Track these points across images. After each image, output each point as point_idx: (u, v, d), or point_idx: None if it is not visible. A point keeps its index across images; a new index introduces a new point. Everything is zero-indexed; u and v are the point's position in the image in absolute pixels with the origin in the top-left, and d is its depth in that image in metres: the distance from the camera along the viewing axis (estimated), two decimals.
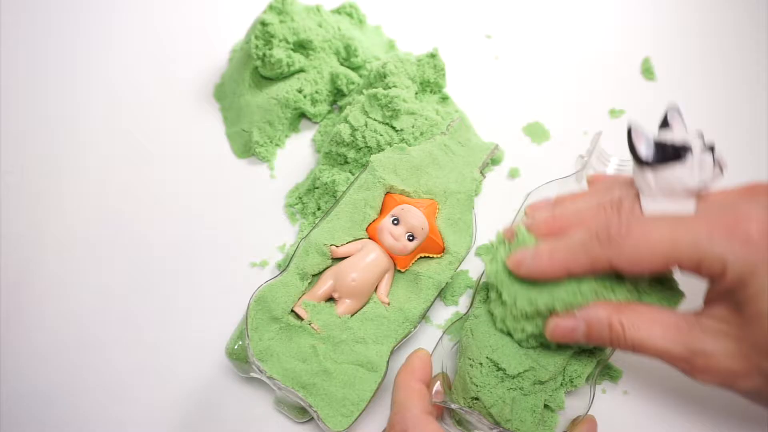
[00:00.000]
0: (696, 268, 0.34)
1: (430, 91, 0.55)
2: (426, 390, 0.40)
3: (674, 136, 0.35)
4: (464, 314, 0.44)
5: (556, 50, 0.63)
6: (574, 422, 0.41)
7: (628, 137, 0.35)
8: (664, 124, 0.37)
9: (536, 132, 0.57)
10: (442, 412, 0.41)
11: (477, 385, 0.39)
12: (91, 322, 0.48)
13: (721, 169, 0.35)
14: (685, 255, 0.33)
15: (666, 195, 0.35)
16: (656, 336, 0.34)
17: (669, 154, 0.35)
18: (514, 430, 0.38)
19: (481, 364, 0.39)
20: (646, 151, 0.35)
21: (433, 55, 0.54)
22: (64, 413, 0.45)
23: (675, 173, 0.35)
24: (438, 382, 0.41)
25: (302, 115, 0.57)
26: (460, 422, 0.41)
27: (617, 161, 0.49)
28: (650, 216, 0.35)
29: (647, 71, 0.61)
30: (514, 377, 0.39)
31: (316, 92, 0.56)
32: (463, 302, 0.49)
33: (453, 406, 0.39)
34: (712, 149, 0.35)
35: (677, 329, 0.34)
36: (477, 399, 0.39)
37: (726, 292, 0.33)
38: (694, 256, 0.33)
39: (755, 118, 0.59)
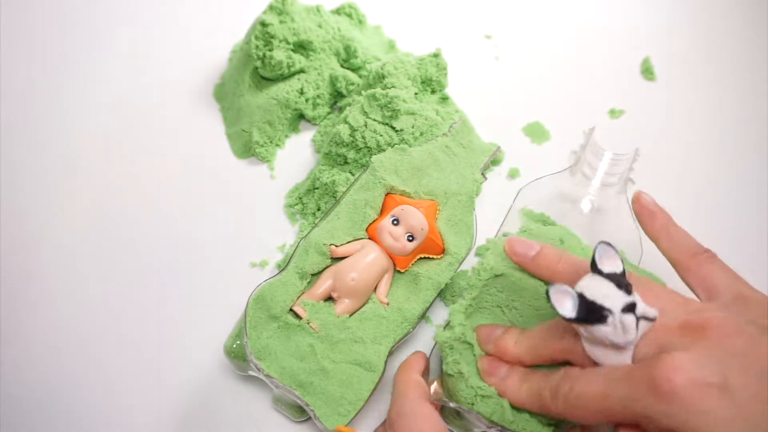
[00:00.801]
0: (633, 424, 0.34)
1: (431, 91, 0.55)
2: (423, 381, 0.40)
3: (594, 294, 0.34)
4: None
5: (556, 50, 0.63)
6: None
7: (547, 299, 0.34)
8: (593, 264, 0.36)
9: (536, 132, 0.57)
10: (440, 408, 0.41)
11: (470, 403, 0.39)
12: (91, 320, 0.48)
13: (649, 319, 0.34)
14: (618, 414, 0.33)
15: (602, 346, 0.35)
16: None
17: (590, 315, 0.34)
18: (518, 430, 0.39)
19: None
20: (569, 312, 0.34)
21: (436, 55, 0.54)
22: (63, 412, 0.45)
23: (600, 332, 0.34)
24: (436, 383, 0.41)
25: (302, 116, 0.57)
26: (459, 416, 0.41)
27: (611, 155, 0.49)
28: (589, 371, 0.35)
29: (647, 71, 0.61)
30: None
31: (318, 96, 0.56)
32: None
33: (452, 405, 0.39)
34: (632, 307, 0.34)
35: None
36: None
37: None
38: (628, 415, 0.33)
39: (755, 118, 0.59)
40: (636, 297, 0.34)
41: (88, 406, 0.45)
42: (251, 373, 0.43)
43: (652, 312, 0.34)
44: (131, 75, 0.60)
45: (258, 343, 0.41)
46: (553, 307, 0.34)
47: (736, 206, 0.54)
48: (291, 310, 0.43)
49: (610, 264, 0.35)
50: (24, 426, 0.44)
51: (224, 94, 0.59)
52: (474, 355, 0.40)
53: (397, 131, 0.50)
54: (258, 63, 0.54)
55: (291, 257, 0.44)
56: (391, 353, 0.43)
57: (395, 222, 0.45)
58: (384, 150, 0.49)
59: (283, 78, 0.55)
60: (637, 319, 0.34)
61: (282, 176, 0.55)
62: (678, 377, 0.31)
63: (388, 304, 0.44)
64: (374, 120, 0.50)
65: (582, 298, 0.34)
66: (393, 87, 0.51)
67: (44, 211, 0.53)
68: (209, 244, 0.51)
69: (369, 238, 0.45)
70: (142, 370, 0.46)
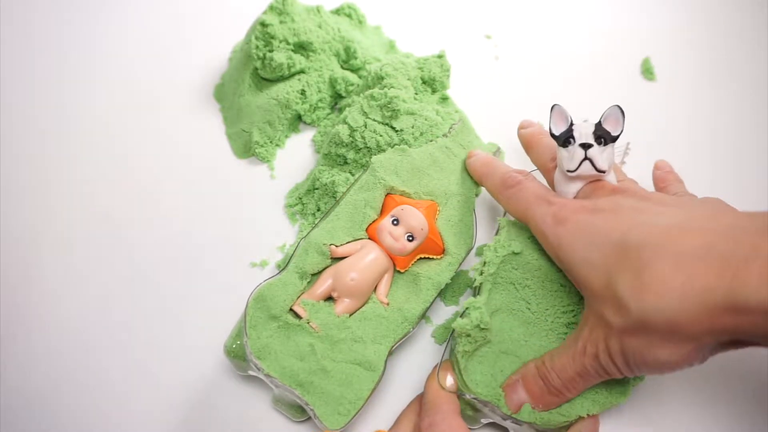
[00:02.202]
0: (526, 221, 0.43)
1: (432, 91, 0.55)
2: (453, 394, 0.41)
3: (577, 128, 0.42)
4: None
5: (556, 50, 0.63)
6: (578, 419, 0.41)
7: (549, 114, 0.42)
8: (599, 122, 0.42)
9: None
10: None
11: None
12: (91, 320, 0.48)
13: (596, 168, 0.41)
14: (532, 227, 0.42)
15: (561, 172, 0.43)
16: (565, 357, 0.39)
17: (560, 137, 0.42)
18: (531, 421, 0.39)
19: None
20: (555, 129, 0.42)
21: (440, 56, 0.54)
22: (63, 411, 0.45)
23: (561, 155, 0.42)
24: (450, 374, 0.41)
25: (301, 117, 0.57)
26: (473, 408, 0.41)
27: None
28: (536, 184, 0.44)
29: (647, 71, 0.61)
30: None
31: (320, 101, 0.56)
32: (463, 302, 0.49)
33: (468, 396, 0.40)
34: (586, 146, 0.41)
35: (572, 339, 0.39)
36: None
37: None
38: (540, 235, 0.41)
39: (755, 118, 0.59)
40: (600, 150, 0.41)
41: (87, 405, 0.45)
42: (251, 372, 0.43)
43: (602, 162, 0.41)
44: (131, 75, 0.60)
45: (258, 342, 0.41)
46: (549, 120, 0.42)
47: (736, 206, 0.54)
48: (291, 309, 0.43)
49: (611, 125, 0.42)
50: (24, 426, 0.44)
51: (224, 94, 0.59)
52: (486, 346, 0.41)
53: (396, 131, 0.50)
54: (258, 63, 0.54)
55: (291, 257, 0.44)
56: (391, 353, 0.43)
57: (395, 222, 0.45)
58: (384, 150, 0.49)
59: (283, 78, 0.55)
60: (586, 157, 0.41)
61: (282, 176, 0.55)
62: (570, 209, 0.40)
63: (388, 304, 0.44)
64: (374, 120, 0.50)
65: (570, 126, 0.42)
66: (392, 87, 0.51)
67: (44, 210, 0.53)
68: (209, 244, 0.51)
69: (369, 238, 0.45)
70: (142, 370, 0.46)
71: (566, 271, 0.40)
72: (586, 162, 0.41)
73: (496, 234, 0.45)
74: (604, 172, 0.41)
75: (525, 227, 0.44)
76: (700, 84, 0.61)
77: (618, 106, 0.41)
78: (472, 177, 0.48)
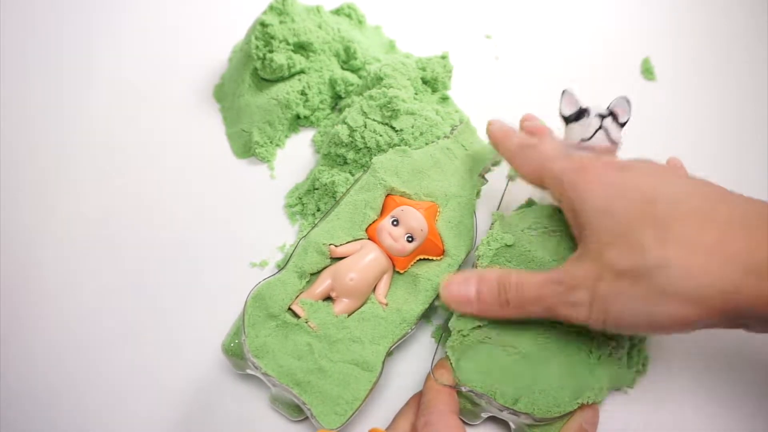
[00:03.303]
0: (551, 191, 0.42)
1: (432, 90, 0.55)
2: (453, 393, 0.41)
3: (588, 104, 0.44)
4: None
5: (556, 50, 0.63)
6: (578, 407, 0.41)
7: (561, 98, 0.45)
8: (609, 109, 0.45)
9: None
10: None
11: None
12: (90, 320, 0.48)
13: (609, 139, 0.43)
14: (547, 175, 0.41)
15: (569, 147, 0.44)
16: (535, 277, 0.39)
17: (574, 114, 0.44)
18: (528, 412, 0.39)
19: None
20: (565, 110, 0.45)
21: (443, 57, 0.55)
22: (62, 411, 0.45)
23: (573, 129, 0.44)
24: (445, 368, 0.41)
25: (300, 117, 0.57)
26: (471, 403, 0.42)
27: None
28: (553, 145, 0.44)
29: (647, 71, 0.61)
30: None
31: (320, 102, 0.56)
32: None
33: (464, 389, 0.40)
34: (602, 116, 0.44)
35: (552, 271, 0.39)
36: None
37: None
38: (552, 181, 0.41)
39: (755, 118, 0.59)
40: (614, 126, 0.44)
41: (86, 404, 0.45)
42: (249, 371, 0.43)
43: (617, 134, 0.44)
44: (131, 75, 0.60)
45: (256, 341, 0.41)
46: (560, 105, 0.45)
47: None
48: (289, 309, 0.43)
49: (620, 112, 0.44)
50: (24, 426, 0.44)
51: (224, 94, 0.59)
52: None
53: (396, 131, 0.50)
54: (258, 64, 0.54)
55: (290, 257, 0.44)
56: (389, 354, 0.43)
57: (395, 223, 0.45)
58: (384, 150, 0.49)
59: (283, 79, 0.55)
60: (601, 126, 0.43)
61: (282, 176, 0.55)
62: (599, 168, 0.39)
63: (386, 304, 0.44)
64: (373, 120, 0.50)
65: (580, 108, 0.44)
66: (391, 88, 0.51)
67: (43, 210, 0.53)
68: (209, 244, 0.51)
69: (369, 239, 0.46)
70: (140, 368, 0.46)
71: (573, 216, 0.39)
72: (601, 131, 0.43)
73: (490, 229, 0.45)
74: (616, 144, 0.43)
75: (518, 219, 0.44)
76: (700, 84, 0.60)
77: (624, 97, 0.44)
78: (490, 142, 0.47)
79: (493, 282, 0.40)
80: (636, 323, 0.35)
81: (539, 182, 0.42)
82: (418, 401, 0.42)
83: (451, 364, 0.41)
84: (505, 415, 0.41)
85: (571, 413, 0.40)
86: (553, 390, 0.40)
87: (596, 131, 0.43)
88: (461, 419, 0.42)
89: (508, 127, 0.47)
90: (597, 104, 0.49)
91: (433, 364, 0.43)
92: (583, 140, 0.43)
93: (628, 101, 0.44)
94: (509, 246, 0.43)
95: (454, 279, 0.42)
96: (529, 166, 0.43)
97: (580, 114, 0.44)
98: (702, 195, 0.36)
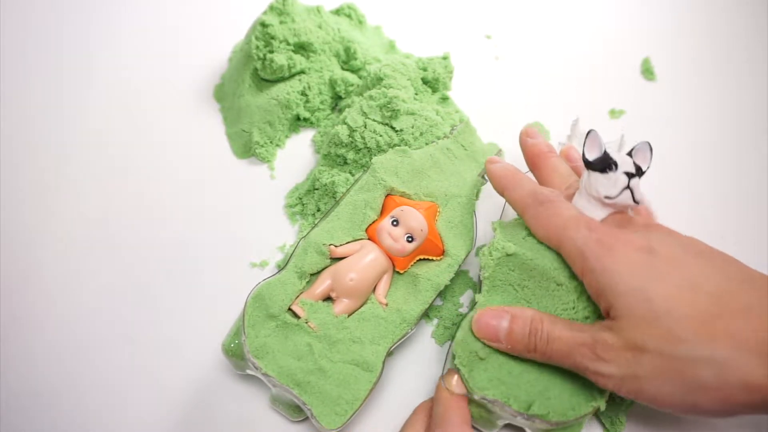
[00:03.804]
0: (570, 262, 0.40)
1: (433, 91, 0.55)
2: (465, 404, 0.41)
3: (616, 155, 0.41)
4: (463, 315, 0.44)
5: (556, 50, 0.63)
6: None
7: (585, 139, 0.41)
8: (629, 153, 0.42)
9: None
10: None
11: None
12: (90, 319, 0.48)
13: (634, 198, 0.40)
14: (566, 244, 0.40)
15: (588, 197, 0.41)
16: (567, 331, 0.38)
17: (599, 163, 0.41)
18: (543, 416, 0.39)
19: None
20: (591, 154, 0.41)
21: (445, 57, 0.55)
22: (62, 410, 0.45)
23: (597, 180, 0.41)
24: (456, 375, 0.41)
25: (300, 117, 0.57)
26: (484, 410, 0.41)
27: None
28: (571, 205, 0.42)
29: (647, 71, 0.61)
30: None
31: (321, 103, 0.56)
32: (464, 301, 0.49)
33: (476, 397, 0.40)
34: (630, 175, 0.40)
35: (584, 326, 0.38)
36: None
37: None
38: (571, 249, 0.39)
39: (755, 118, 0.59)
40: (638, 181, 0.41)
41: (86, 404, 0.45)
42: (249, 372, 0.43)
43: (640, 195, 0.41)
44: (131, 75, 0.60)
45: (256, 341, 0.41)
46: (583, 147, 0.41)
47: (737, 205, 0.54)
48: (289, 309, 0.43)
49: (641, 159, 0.42)
50: (24, 426, 0.44)
51: (224, 95, 0.59)
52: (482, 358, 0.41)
53: (396, 131, 0.50)
54: (258, 64, 0.54)
55: (290, 257, 0.44)
56: (389, 354, 0.43)
57: (395, 223, 0.45)
58: (384, 150, 0.49)
59: (284, 79, 0.55)
60: (628, 186, 0.40)
61: (282, 176, 0.55)
62: (621, 242, 0.38)
63: (386, 304, 0.44)
64: (373, 120, 0.50)
65: (605, 154, 0.41)
66: (391, 88, 0.51)
67: (44, 210, 0.53)
68: (209, 244, 0.51)
69: (368, 239, 0.46)
70: (140, 369, 0.46)
71: (598, 289, 0.38)
72: (627, 191, 0.40)
73: (493, 238, 0.45)
74: (639, 204, 0.41)
75: (518, 227, 0.43)
76: (700, 84, 0.61)
77: (647, 143, 0.42)
78: (493, 184, 0.46)
79: (526, 324, 0.39)
80: (673, 406, 0.36)
81: (554, 245, 0.41)
82: (426, 410, 0.42)
83: (462, 375, 0.40)
84: (519, 421, 0.40)
85: (586, 416, 0.40)
86: (568, 393, 0.39)
87: (621, 191, 0.40)
88: (476, 428, 0.42)
89: (514, 170, 0.45)
90: (615, 141, 0.48)
91: (444, 371, 0.42)
92: (608, 198, 0.40)
93: (650, 148, 0.42)
94: (511, 255, 0.42)
95: (487, 311, 0.40)
96: (546, 229, 0.41)
97: (607, 165, 0.40)
98: (738, 282, 0.36)
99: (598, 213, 0.41)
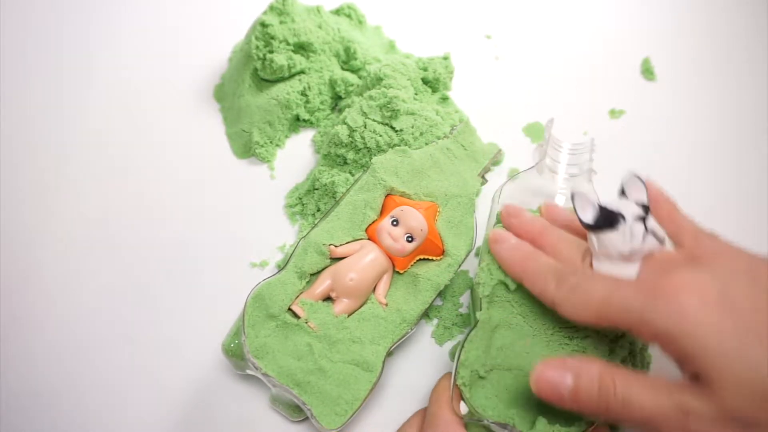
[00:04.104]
0: (630, 330, 0.35)
1: (433, 90, 0.55)
2: (460, 421, 0.40)
3: (612, 205, 0.37)
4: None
5: (556, 50, 0.63)
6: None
7: (572, 203, 0.37)
8: (622, 192, 0.38)
9: (536, 132, 0.57)
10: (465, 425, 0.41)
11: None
12: (90, 319, 0.48)
13: (658, 239, 0.37)
14: (616, 316, 0.35)
15: (607, 257, 0.37)
16: (646, 394, 0.33)
17: (604, 221, 0.37)
18: None
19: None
20: (587, 216, 0.37)
21: (445, 58, 0.55)
22: (62, 410, 0.45)
23: (610, 239, 0.37)
24: (462, 401, 0.40)
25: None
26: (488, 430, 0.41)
27: (569, 146, 0.49)
28: (599, 274, 0.37)
29: (647, 71, 0.61)
30: None
31: (321, 103, 0.56)
32: (464, 301, 0.49)
33: (486, 421, 0.39)
34: (644, 219, 0.37)
35: (668, 388, 0.33)
36: None
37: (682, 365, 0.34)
38: (626, 319, 0.34)
39: (755, 118, 0.59)
40: (651, 218, 0.37)
41: (86, 404, 0.45)
42: (249, 372, 0.43)
43: (661, 231, 0.37)
44: (131, 75, 0.60)
45: (256, 341, 0.41)
46: (575, 212, 0.37)
47: (737, 205, 0.54)
48: (289, 309, 0.43)
49: (636, 192, 0.38)
50: (24, 426, 0.45)
51: (224, 95, 0.59)
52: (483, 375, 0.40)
53: (396, 131, 0.50)
54: (258, 64, 0.54)
55: (290, 257, 0.44)
56: (389, 354, 0.43)
57: (395, 223, 0.45)
58: (384, 150, 0.49)
59: (284, 79, 0.55)
60: (646, 229, 0.36)
61: (282, 176, 0.55)
62: (681, 290, 0.33)
63: (386, 304, 0.44)
64: (373, 120, 0.50)
65: (602, 209, 0.37)
66: (391, 88, 0.51)
67: (44, 210, 0.53)
68: (209, 244, 0.51)
69: (368, 239, 0.46)
70: (141, 369, 0.46)
71: (682, 359, 0.33)
72: (649, 236, 0.37)
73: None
74: (664, 243, 0.37)
75: None
76: (700, 84, 0.60)
77: (633, 174, 0.38)
78: (506, 271, 0.41)
79: (594, 380, 0.34)
80: None
81: (607, 325, 0.36)
82: (420, 418, 0.42)
83: (464, 395, 0.40)
84: None
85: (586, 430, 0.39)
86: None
87: (644, 239, 0.36)
88: None
89: (524, 251, 0.40)
90: (585, 144, 0.47)
91: (453, 391, 0.40)
92: (633, 252, 0.37)
93: (639, 178, 0.38)
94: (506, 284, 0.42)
95: (549, 363, 0.35)
96: (588, 314, 0.36)
97: (613, 220, 0.36)
98: None
99: (630, 270, 0.37)
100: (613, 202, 0.37)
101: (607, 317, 0.35)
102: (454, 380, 0.40)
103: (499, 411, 0.39)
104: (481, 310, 0.42)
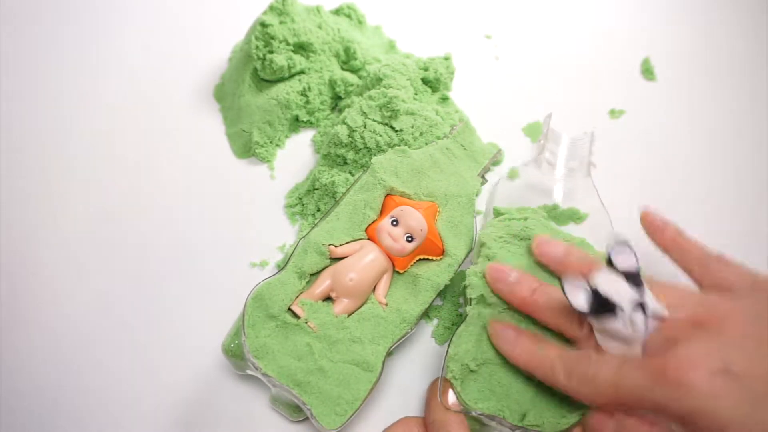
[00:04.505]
0: (644, 410, 0.35)
1: (433, 90, 0.55)
2: (462, 418, 0.40)
3: (607, 290, 0.35)
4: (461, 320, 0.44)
5: (556, 50, 0.63)
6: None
7: (563, 290, 0.36)
8: (609, 262, 0.36)
9: (536, 132, 0.57)
10: None
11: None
12: (90, 319, 0.48)
13: (659, 318, 0.35)
14: (629, 402, 0.35)
15: (610, 337, 0.36)
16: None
17: (602, 309, 0.35)
18: (535, 425, 0.39)
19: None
20: (582, 305, 0.36)
21: (446, 58, 0.55)
22: (62, 411, 0.45)
23: (611, 325, 0.35)
24: (451, 390, 0.40)
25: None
26: (479, 423, 0.41)
27: (569, 139, 0.49)
28: (605, 357, 0.36)
29: (647, 71, 0.61)
30: None
31: (321, 103, 0.56)
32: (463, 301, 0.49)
33: (474, 413, 0.39)
34: (642, 306, 0.35)
35: None
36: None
37: None
38: (639, 404, 0.34)
39: (755, 118, 0.59)
40: (648, 295, 0.35)
41: (86, 403, 0.45)
42: (249, 372, 0.43)
43: (661, 311, 0.35)
44: (131, 75, 0.60)
45: (256, 341, 0.41)
46: (567, 299, 0.36)
47: (737, 205, 0.54)
48: (289, 309, 0.43)
49: (625, 261, 0.36)
50: (24, 426, 0.45)
51: (224, 94, 0.59)
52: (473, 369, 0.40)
53: (396, 131, 0.50)
54: (258, 64, 0.54)
55: (290, 257, 0.44)
56: (389, 354, 0.43)
57: (394, 223, 0.45)
58: (384, 150, 0.49)
59: (283, 79, 0.55)
60: (647, 316, 0.35)
61: (282, 176, 0.55)
62: (686, 368, 0.32)
63: (386, 304, 0.44)
64: (373, 120, 0.50)
65: (595, 294, 0.35)
66: (391, 88, 0.51)
67: (44, 210, 0.53)
68: (209, 244, 0.51)
69: (368, 239, 0.46)
70: (140, 369, 0.46)
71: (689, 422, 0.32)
72: (650, 320, 0.35)
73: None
74: (665, 318, 0.36)
75: (508, 246, 0.43)
76: (700, 84, 0.60)
77: (620, 241, 0.37)
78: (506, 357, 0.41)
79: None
80: None
81: (626, 408, 0.36)
82: (408, 426, 0.42)
83: (455, 388, 0.40)
84: None
85: (575, 425, 0.39)
86: (556, 401, 0.39)
87: (646, 327, 0.35)
88: None
89: (529, 343, 0.39)
90: (586, 137, 0.47)
91: (441, 385, 0.41)
92: (636, 339, 0.36)
93: (627, 243, 0.37)
94: None
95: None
96: (598, 399, 0.36)
97: (609, 309, 0.35)
98: None
99: (635, 347, 0.36)
100: (606, 282, 0.36)
101: (622, 403, 0.35)
102: (443, 374, 0.40)
103: (489, 404, 0.39)
104: (470, 305, 0.42)
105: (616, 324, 0.35)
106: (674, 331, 0.35)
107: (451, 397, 0.40)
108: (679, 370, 0.32)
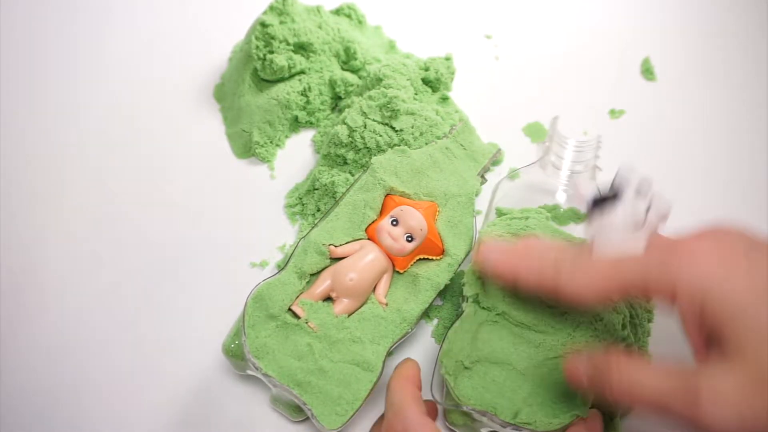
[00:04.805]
0: (644, 291, 0.33)
1: (433, 90, 0.55)
2: (419, 394, 0.40)
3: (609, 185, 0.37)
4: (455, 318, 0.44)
5: (555, 50, 0.63)
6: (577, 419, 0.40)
7: (576, 188, 0.38)
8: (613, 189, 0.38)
9: (536, 132, 0.57)
10: (436, 413, 0.41)
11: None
12: (91, 320, 0.48)
13: (661, 216, 0.36)
14: (627, 280, 0.34)
15: (609, 243, 0.36)
16: (657, 374, 0.32)
17: (605, 199, 0.37)
18: (527, 423, 0.38)
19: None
20: (589, 192, 0.37)
21: (447, 58, 0.55)
22: (62, 411, 0.45)
23: (611, 221, 0.36)
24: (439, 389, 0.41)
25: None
26: (468, 417, 0.41)
27: (575, 143, 0.49)
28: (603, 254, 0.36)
29: (647, 71, 0.61)
30: None
31: (321, 103, 0.56)
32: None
33: (465, 408, 0.39)
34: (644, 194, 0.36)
35: (675, 370, 0.32)
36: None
37: (699, 329, 0.32)
38: (640, 278, 0.33)
39: (755, 117, 0.59)
40: (653, 196, 0.37)
41: (86, 404, 0.45)
42: (249, 372, 0.43)
43: (665, 208, 0.36)
44: (131, 75, 0.60)
45: (256, 342, 0.41)
46: (578, 193, 0.38)
47: (737, 205, 0.54)
48: (289, 309, 0.43)
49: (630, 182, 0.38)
50: (24, 426, 0.44)
51: (224, 94, 0.59)
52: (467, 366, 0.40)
53: (396, 131, 0.50)
54: (258, 64, 0.54)
55: (290, 257, 0.44)
56: (389, 354, 0.43)
57: (394, 223, 0.45)
58: (384, 150, 0.49)
59: (284, 79, 0.55)
60: (649, 207, 0.36)
61: (282, 176, 0.55)
62: (698, 247, 0.32)
63: (386, 304, 0.44)
64: (373, 120, 0.50)
65: (600, 191, 0.37)
66: (391, 88, 0.51)
67: (44, 211, 0.53)
68: (209, 244, 0.51)
69: (368, 239, 0.46)
70: (141, 369, 0.46)
71: (715, 327, 0.31)
72: (652, 210, 0.36)
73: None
74: (666, 218, 0.37)
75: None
76: (700, 84, 0.60)
77: (622, 175, 0.38)
78: (500, 279, 0.40)
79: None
80: None
81: (609, 295, 0.35)
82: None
83: (448, 384, 0.40)
84: (507, 431, 0.40)
85: (569, 426, 0.39)
86: (551, 401, 0.39)
87: (648, 212, 0.36)
88: None
89: (518, 254, 0.38)
90: (591, 141, 0.47)
91: (432, 381, 0.41)
92: (637, 225, 0.36)
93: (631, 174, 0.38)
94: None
95: (575, 360, 0.35)
96: (591, 285, 0.35)
97: (617, 191, 0.37)
98: None
99: (637, 245, 0.36)
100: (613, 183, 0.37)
101: (618, 284, 0.34)
102: (436, 369, 0.41)
103: (482, 400, 0.39)
104: (466, 302, 0.42)
105: (617, 212, 0.36)
106: (679, 237, 0.34)
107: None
108: (692, 250, 0.31)
